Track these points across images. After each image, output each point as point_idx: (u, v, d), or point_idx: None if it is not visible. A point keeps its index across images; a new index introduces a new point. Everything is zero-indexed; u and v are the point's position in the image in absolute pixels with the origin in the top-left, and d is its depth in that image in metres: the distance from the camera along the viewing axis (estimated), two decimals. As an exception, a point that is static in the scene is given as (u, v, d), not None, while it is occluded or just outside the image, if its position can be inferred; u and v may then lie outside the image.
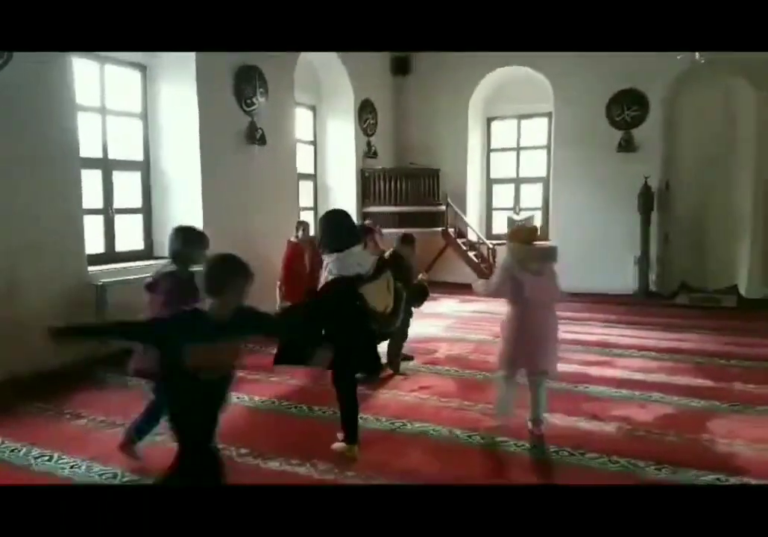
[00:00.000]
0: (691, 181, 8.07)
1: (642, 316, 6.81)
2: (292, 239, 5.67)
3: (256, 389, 4.34)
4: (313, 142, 8.47)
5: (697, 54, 5.90)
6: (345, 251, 3.23)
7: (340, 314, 3.23)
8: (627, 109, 8.11)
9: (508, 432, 3.49)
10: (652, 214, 7.87)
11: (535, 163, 9.27)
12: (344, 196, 8.38)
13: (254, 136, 6.51)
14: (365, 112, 8.65)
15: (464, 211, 8.88)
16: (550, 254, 3.52)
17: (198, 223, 6.13)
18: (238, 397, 4.17)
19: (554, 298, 3.49)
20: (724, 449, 3.30)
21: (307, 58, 7.60)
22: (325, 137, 8.53)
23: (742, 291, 7.72)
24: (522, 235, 3.57)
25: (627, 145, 8.10)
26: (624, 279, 8.08)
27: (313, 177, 8.47)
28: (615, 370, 4.79)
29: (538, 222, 9.13)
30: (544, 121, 9.06)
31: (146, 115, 6.12)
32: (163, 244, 6.18)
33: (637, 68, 7.71)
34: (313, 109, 8.42)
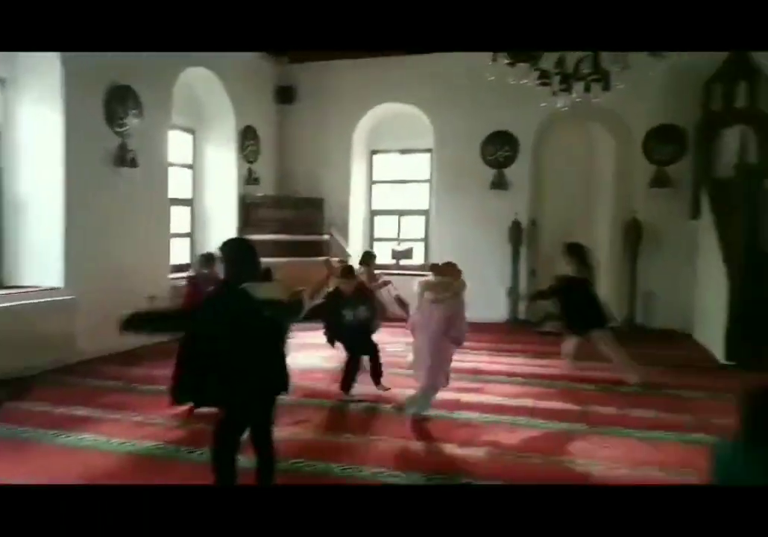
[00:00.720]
0: (555, 218, 8.78)
1: (512, 343, 7.23)
2: (191, 273, 5.27)
3: (115, 430, 4.04)
4: (192, 167, 8.24)
5: (559, 102, 6.49)
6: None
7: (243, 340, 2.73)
8: (499, 149, 8.71)
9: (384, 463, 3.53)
10: (521, 249, 8.46)
11: (417, 197, 9.65)
12: (223, 223, 8.19)
13: (125, 158, 6.23)
14: (247, 138, 8.59)
15: (347, 241, 9.01)
16: (433, 286, 4.19)
17: (58, 249, 5.72)
18: (94, 439, 3.87)
19: (438, 325, 4.11)
20: (582, 469, 3.56)
21: (186, 80, 7.46)
22: (205, 162, 8.34)
23: (601, 319, 8.45)
24: (434, 269, 4.44)
25: (499, 184, 8.69)
26: (497, 309, 8.57)
27: (190, 202, 8.22)
28: (486, 396, 5.02)
29: (419, 253, 9.48)
30: (426, 156, 9.49)
31: (1, 133, 5.67)
32: (15, 272, 5.73)
33: (509, 111, 8.34)
34: (193, 132, 8.22)
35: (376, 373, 5.11)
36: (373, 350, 5.08)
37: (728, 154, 7.31)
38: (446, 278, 4.19)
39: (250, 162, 8.68)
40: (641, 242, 8.02)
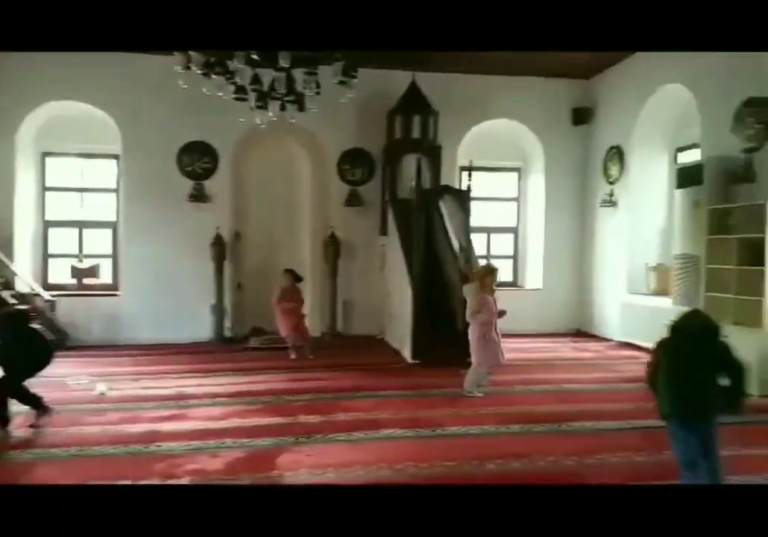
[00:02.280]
0: (261, 232, 8.88)
1: (218, 363, 6.99)
2: None
3: None
4: None
5: (257, 118, 6.56)
6: None
7: None
8: (197, 160, 8.43)
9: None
10: (225, 263, 8.31)
11: (103, 207, 8.72)
12: None
13: None
14: None
15: (11, 258, 7.62)
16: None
17: None
18: None
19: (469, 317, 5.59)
20: (290, 480, 3.55)
21: None
22: None
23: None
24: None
25: (199, 196, 8.41)
26: (200, 327, 8.24)
27: None
28: (188, 422, 4.69)
29: (106, 270, 8.58)
30: (112, 162, 8.66)
31: None
32: None
33: (208, 122, 8.11)
34: None
35: None
36: None
37: (408, 178, 8.37)
38: (473, 284, 5.68)
39: None
40: (339, 255, 8.63)
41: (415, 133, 8.47)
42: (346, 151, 8.90)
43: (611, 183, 8.73)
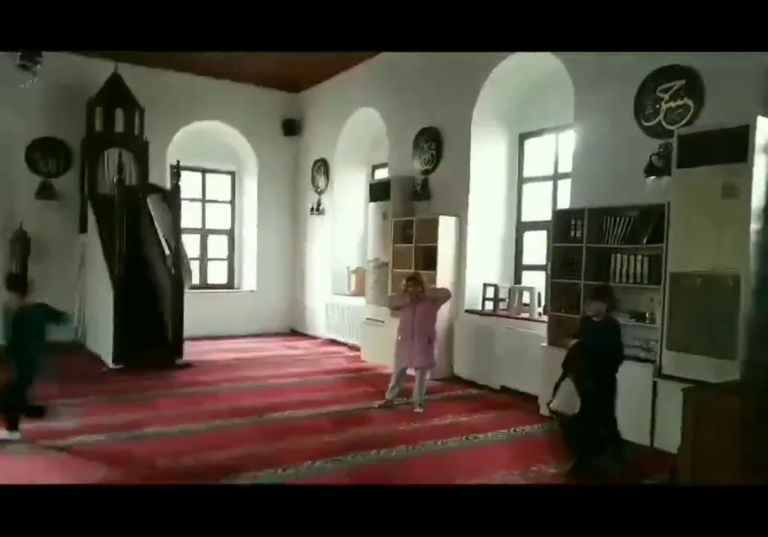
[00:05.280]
0: None
1: None
2: None
3: None
4: None
5: None
6: None
7: None
8: None
9: None
10: None
11: None
12: None
13: None
14: None
15: None
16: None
17: None
18: None
19: None
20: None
21: None
22: None
23: None
24: None
25: None
26: None
27: None
28: None
29: None
30: None
31: None
32: None
33: None
34: None
35: None
36: None
37: (111, 173, 7.99)
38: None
39: None
40: (30, 253, 7.84)
41: (119, 127, 8.16)
42: (38, 140, 8.17)
43: (319, 193, 9.61)
